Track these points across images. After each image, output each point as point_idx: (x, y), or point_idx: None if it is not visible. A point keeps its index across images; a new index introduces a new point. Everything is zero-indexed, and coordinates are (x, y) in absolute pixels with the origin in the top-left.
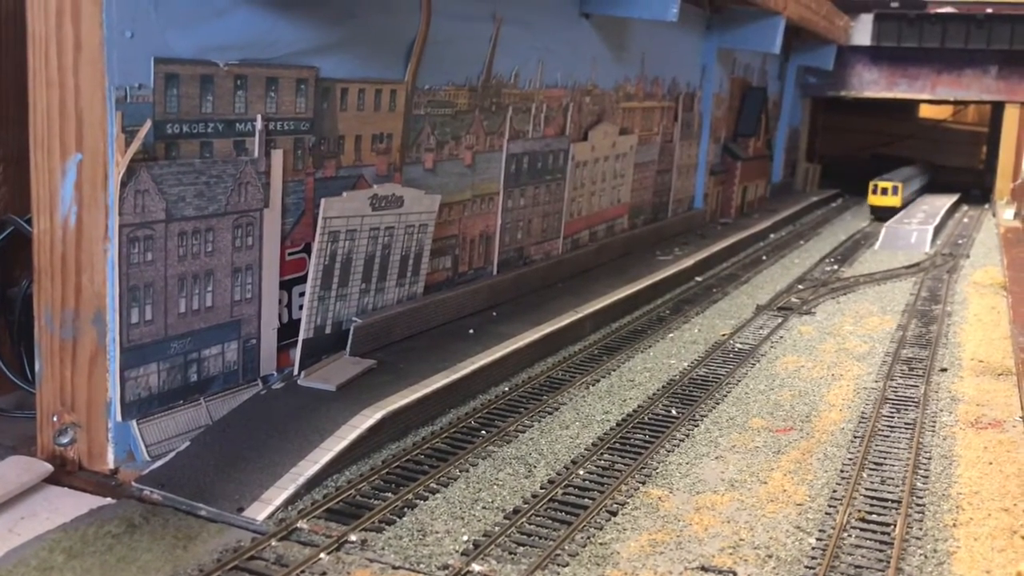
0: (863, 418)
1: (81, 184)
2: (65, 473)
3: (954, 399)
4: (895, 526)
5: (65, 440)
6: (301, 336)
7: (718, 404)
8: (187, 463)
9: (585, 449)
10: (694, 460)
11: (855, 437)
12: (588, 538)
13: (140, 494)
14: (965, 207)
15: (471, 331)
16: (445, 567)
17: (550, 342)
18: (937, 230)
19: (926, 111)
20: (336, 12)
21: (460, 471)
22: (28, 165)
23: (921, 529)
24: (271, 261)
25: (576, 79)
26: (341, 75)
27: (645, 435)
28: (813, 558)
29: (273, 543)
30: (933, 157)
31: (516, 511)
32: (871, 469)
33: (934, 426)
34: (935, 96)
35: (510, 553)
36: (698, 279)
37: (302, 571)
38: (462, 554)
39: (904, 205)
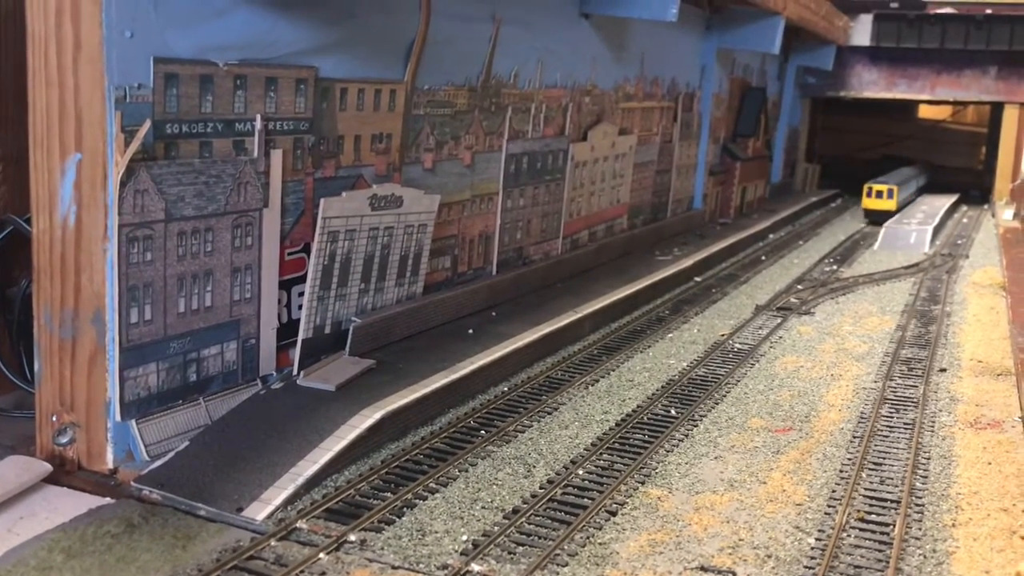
0: (862, 418)
1: (80, 184)
2: (64, 473)
3: (953, 399)
4: (894, 526)
5: (64, 440)
6: (300, 336)
7: (717, 404)
8: (186, 463)
9: (584, 449)
10: (693, 460)
11: (854, 437)
12: (587, 538)
13: (139, 494)
14: (964, 207)
15: (470, 331)
16: (444, 567)
17: (549, 342)
18: (936, 230)
19: (925, 111)
20: (335, 12)
21: (459, 471)
22: (27, 164)
23: (920, 529)
24: (270, 261)
25: (575, 79)
26: (341, 75)
27: (644, 435)
28: (812, 558)
29: (272, 543)
30: (932, 157)
31: (515, 511)
32: (870, 469)
33: (933, 426)
34: (934, 96)
35: (509, 553)
36: (697, 279)
37: (301, 571)
38: (461, 554)
39: (900, 208)
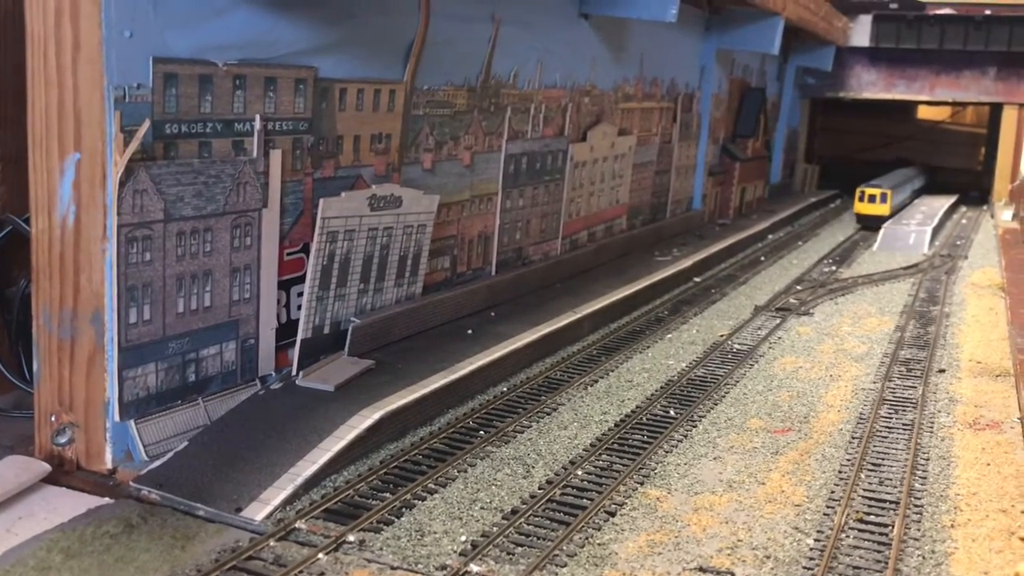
0: (861, 419)
1: (79, 184)
2: (63, 473)
3: (952, 400)
4: (893, 527)
5: (63, 440)
6: (299, 336)
7: (716, 405)
8: (185, 463)
9: (583, 450)
10: (692, 461)
11: (853, 438)
12: (586, 539)
13: (138, 494)
14: (963, 208)
15: (469, 331)
16: (443, 567)
17: (548, 343)
18: (935, 231)
19: (924, 112)
20: (335, 12)
21: (458, 471)
22: (26, 164)
23: (919, 530)
24: (269, 261)
25: (575, 80)
26: (340, 75)
27: (643, 436)
28: (811, 559)
29: (271, 543)
30: (931, 158)
31: (514, 511)
32: (869, 470)
33: (932, 427)
34: (933, 97)
35: (508, 553)
36: (696, 280)
37: (300, 571)
38: (460, 554)
39: (894, 213)
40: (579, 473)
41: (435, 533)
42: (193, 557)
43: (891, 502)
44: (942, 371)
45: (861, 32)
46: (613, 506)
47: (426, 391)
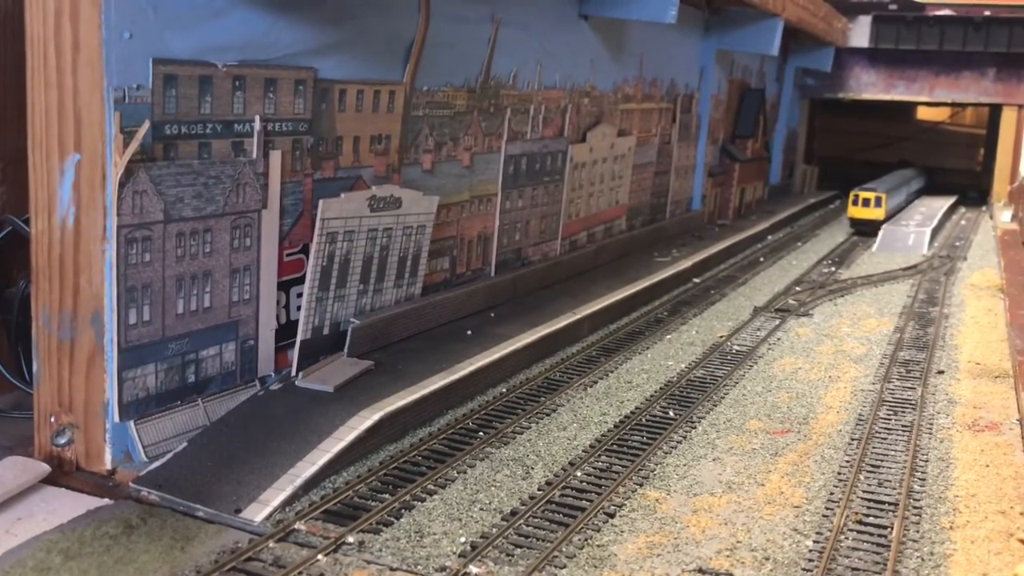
0: (860, 420)
1: (79, 185)
2: (62, 474)
3: (951, 402)
4: (892, 528)
5: (63, 441)
6: (299, 337)
7: (716, 406)
8: (185, 464)
9: (583, 451)
10: (692, 462)
11: (852, 439)
12: (586, 540)
13: (137, 495)
14: (963, 209)
15: (469, 332)
16: (442, 569)
17: (548, 343)
18: (935, 232)
19: (924, 113)
20: (335, 13)
21: (458, 472)
22: (26, 165)
23: (918, 532)
24: (269, 262)
25: (574, 81)
26: (340, 76)
27: (643, 437)
28: (810, 560)
29: (271, 544)
30: (931, 159)
31: (514, 513)
32: (868, 471)
33: (931, 428)
34: (933, 98)
35: (507, 555)
36: (696, 281)
37: (299, 572)
38: (459, 556)
39: (889, 217)
40: (578, 474)
41: (434, 534)
42: (192, 558)
43: (890, 504)
44: (941, 372)
45: (860, 33)
46: (612, 507)
47: (425, 392)
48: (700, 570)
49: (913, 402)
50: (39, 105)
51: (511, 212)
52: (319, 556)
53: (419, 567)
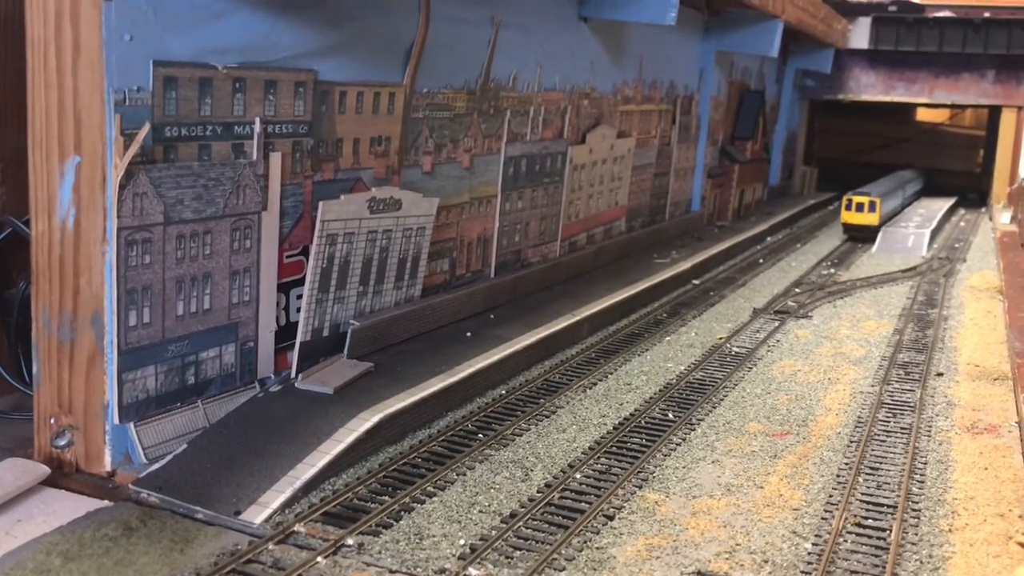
0: (859, 422)
1: (79, 186)
2: (62, 475)
3: (950, 404)
4: (891, 531)
5: (62, 442)
6: (298, 339)
7: (715, 408)
8: (184, 466)
9: (582, 453)
10: (691, 464)
11: (851, 441)
12: (585, 542)
13: (137, 497)
14: (962, 211)
15: (468, 334)
16: (442, 571)
17: (547, 345)
18: (934, 234)
19: (923, 114)
20: (335, 15)
21: (457, 475)
22: (26, 167)
23: (917, 534)
24: (269, 264)
25: (574, 82)
26: (340, 78)
27: (642, 439)
28: (809, 563)
29: (270, 546)
30: (930, 160)
31: (513, 515)
32: (867, 474)
33: (930, 431)
34: (932, 100)
35: (507, 557)
36: (695, 282)
37: (299, 575)
38: (459, 558)
39: (883, 223)
40: (577, 476)
41: (434, 537)
42: (192, 560)
43: (889, 506)
44: (940, 375)
45: (860, 34)
46: (611, 510)
47: (425, 394)
48: (699, 572)
49: (912, 404)
50: (39, 106)
51: (511, 214)
52: (318, 558)
53: (418, 569)
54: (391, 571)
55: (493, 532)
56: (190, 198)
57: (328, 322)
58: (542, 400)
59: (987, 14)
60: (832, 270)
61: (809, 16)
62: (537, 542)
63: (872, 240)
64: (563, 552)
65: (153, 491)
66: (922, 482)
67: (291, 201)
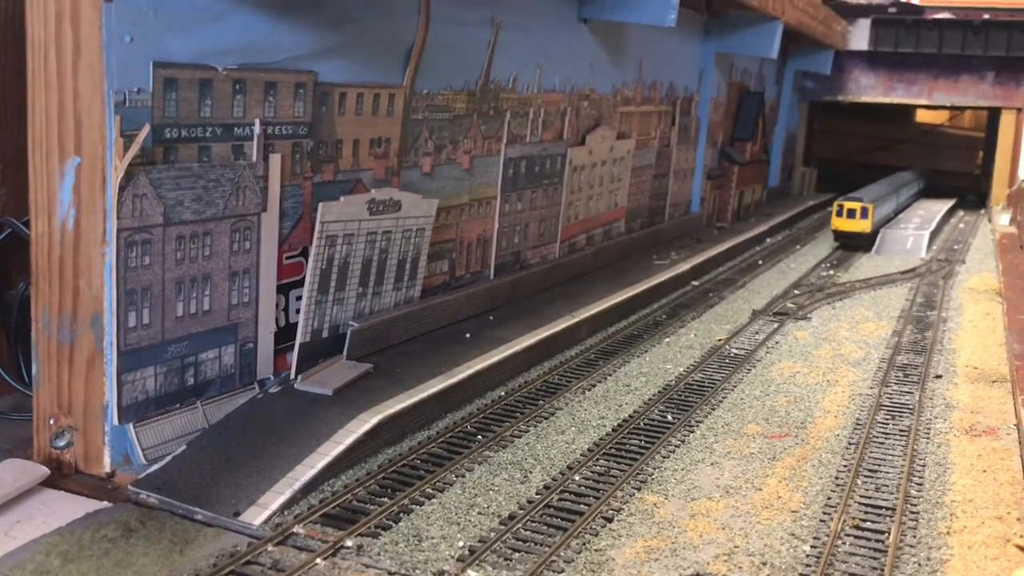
0: (858, 424)
1: (79, 187)
2: (61, 476)
3: (949, 406)
4: (889, 534)
5: (62, 443)
6: (298, 340)
7: (714, 410)
8: (183, 467)
9: (581, 454)
10: (689, 466)
11: (850, 444)
12: (583, 544)
13: (136, 498)
14: (961, 212)
15: (468, 335)
16: (441, 573)
17: (546, 346)
18: (933, 235)
19: (923, 116)
20: (335, 16)
21: (456, 476)
22: (26, 167)
23: (915, 537)
24: (268, 265)
25: (574, 84)
26: (340, 79)
27: (641, 441)
28: (808, 565)
29: (269, 548)
30: (930, 162)
31: (512, 517)
32: (866, 476)
33: (929, 433)
34: (932, 101)
35: (505, 559)
36: (694, 283)
37: None
38: (458, 560)
39: (876, 230)
40: (576, 478)
41: (433, 538)
42: (191, 561)
43: (887, 508)
44: (939, 377)
45: (860, 36)
46: (610, 512)
47: (424, 395)
48: (698, 575)
49: (911, 406)
50: (39, 107)
51: (510, 215)
52: (318, 560)
53: (417, 571)
54: (390, 573)
55: (492, 534)
56: (190, 199)
57: (327, 323)
58: (541, 402)
59: (986, 16)
60: (831, 272)
61: (809, 18)
62: (536, 544)
63: (864, 248)
64: (562, 554)
65: (152, 492)
66: (920, 484)
67: (291, 202)
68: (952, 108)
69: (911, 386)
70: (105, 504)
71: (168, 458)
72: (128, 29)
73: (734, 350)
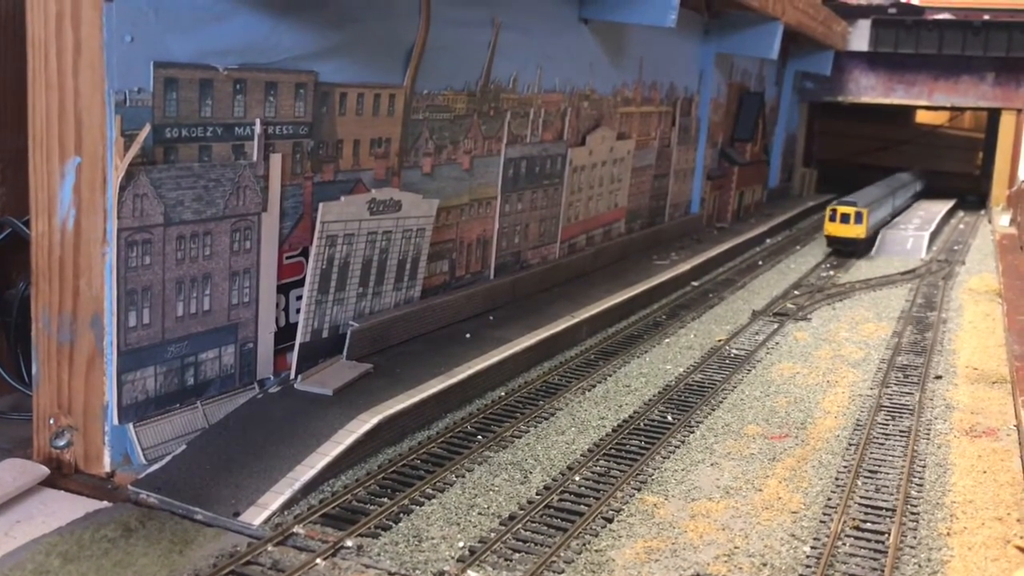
0: (858, 425)
1: (80, 187)
2: (61, 476)
3: (949, 407)
4: (889, 535)
5: (61, 443)
6: (298, 340)
7: (714, 410)
8: (183, 467)
9: (581, 455)
10: (689, 467)
11: (850, 444)
12: (583, 545)
13: (136, 498)
14: (961, 213)
15: (468, 335)
16: (441, 573)
17: (546, 347)
18: (933, 236)
19: (923, 117)
20: (335, 17)
21: (456, 476)
22: (27, 167)
23: (915, 538)
24: (269, 265)
25: (574, 84)
26: (340, 79)
27: (641, 441)
28: (808, 567)
29: (269, 548)
30: (930, 163)
31: (512, 517)
32: (866, 477)
33: (929, 434)
34: (932, 102)
35: (505, 560)
36: (694, 284)
37: None
38: (458, 560)
39: (870, 235)
40: (576, 479)
41: (433, 539)
42: (191, 561)
43: (887, 509)
44: (939, 377)
45: (860, 37)
46: (610, 512)
47: (424, 395)
48: (698, 575)
49: (911, 407)
50: (40, 107)
51: (510, 215)
52: (318, 560)
53: (417, 571)
54: (390, 573)
55: (492, 534)
56: (190, 199)
57: (327, 323)
58: (541, 402)
59: (987, 16)
60: (831, 272)
61: (809, 18)
62: (536, 544)
63: (858, 254)
64: (562, 555)
65: (152, 492)
66: (921, 485)
67: (291, 202)
68: (952, 109)
69: (911, 387)
70: (105, 504)
71: (168, 458)
72: (129, 29)
73: (734, 351)
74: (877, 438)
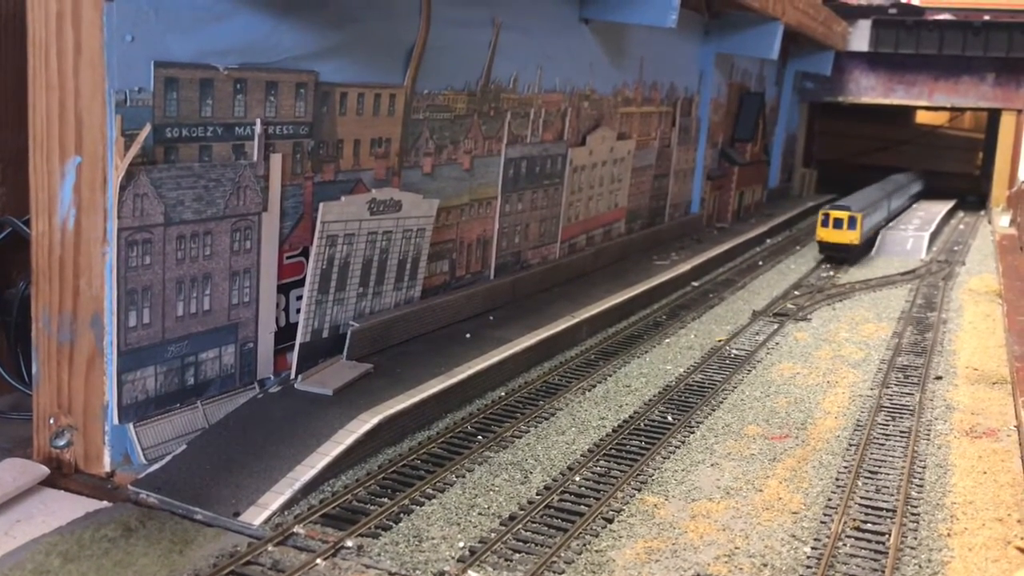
0: (858, 426)
1: (80, 187)
2: (61, 476)
3: (949, 407)
4: (890, 535)
5: (61, 443)
6: (298, 340)
7: (714, 411)
8: (183, 467)
9: (581, 455)
10: (690, 467)
11: (850, 445)
12: (584, 545)
13: (136, 497)
14: (961, 213)
15: (468, 335)
16: (441, 573)
17: (547, 347)
18: (933, 236)
19: (923, 117)
20: (336, 17)
21: (456, 476)
22: (27, 167)
23: (916, 538)
24: (269, 265)
25: (574, 84)
26: (340, 79)
27: (641, 441)
28: (808, 567)
29: (269, 548)
30: (930, 163)
31: (512, 517)
32: (866, 477)
33: (929, 435)
34: (932, 103)
35: (506, 560)
36: (694, 284)
37: None
38: (458, 560)
39: (864, 241)
40: (577, 479)
41: (433, 539)
42: (191, 561)
43: (888, 510)
44: (939, 378)
45: (860, 37)
46: (611, 512)
47: (424, 395)
48: None
49: (911, 408)
50: (40, 107)
51: (510, 215)
52: (318, 560)
53: (418, 572)
54: (390, 573)
55: (492, 534)
56: (190, 199)
57: (328, 323)
58: (541, 402)
59: (987, 17)
60: (831, 273)
61: (809, 19)
62: (536, 545)
63: (852, 261)
64: (562, 555)
65: (152, 492)
66: (921, 486)
67: (291, 202)
68: (952, 109)
69: (911, 387)
70: (105, 504)
71: (168, 458)
72: (129, 29)
73: (734, 351)
74: (877, 439)
